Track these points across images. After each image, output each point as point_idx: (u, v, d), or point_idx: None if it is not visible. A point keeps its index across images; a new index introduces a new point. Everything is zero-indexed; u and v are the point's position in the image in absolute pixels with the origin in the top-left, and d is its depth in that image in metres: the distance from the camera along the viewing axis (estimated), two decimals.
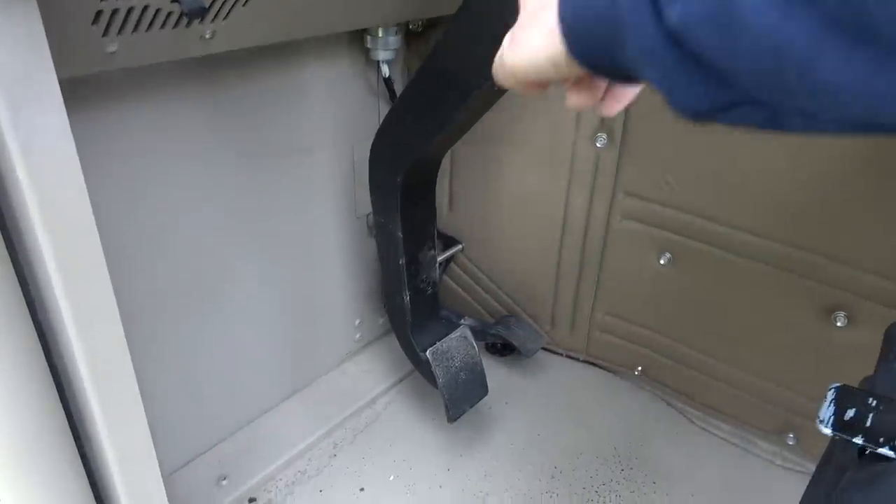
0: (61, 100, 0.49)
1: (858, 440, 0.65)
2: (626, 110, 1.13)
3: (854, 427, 0.65)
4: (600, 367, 1.41)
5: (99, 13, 0.59)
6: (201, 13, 0.64)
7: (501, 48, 0.34)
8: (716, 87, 0.23)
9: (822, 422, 0.67)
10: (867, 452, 0.65)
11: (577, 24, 0.28)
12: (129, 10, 0.61)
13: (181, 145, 0.90)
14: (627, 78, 0.29)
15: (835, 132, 0.23)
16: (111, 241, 0.86)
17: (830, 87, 0.19)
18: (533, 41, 0.31)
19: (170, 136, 0.88)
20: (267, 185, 1.05)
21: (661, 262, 1.21)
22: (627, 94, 0.37)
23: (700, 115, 0.25)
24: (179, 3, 0.62)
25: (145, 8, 0.61)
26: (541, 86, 0.35)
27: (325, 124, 1.11)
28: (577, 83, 0.35)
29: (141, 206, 0.89)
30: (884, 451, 0.62)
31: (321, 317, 1.28)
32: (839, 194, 0.98)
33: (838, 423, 0.65)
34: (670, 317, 1.25)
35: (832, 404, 0.68)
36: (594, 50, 0.28)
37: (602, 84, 0.36)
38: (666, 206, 1.16)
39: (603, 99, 0.36)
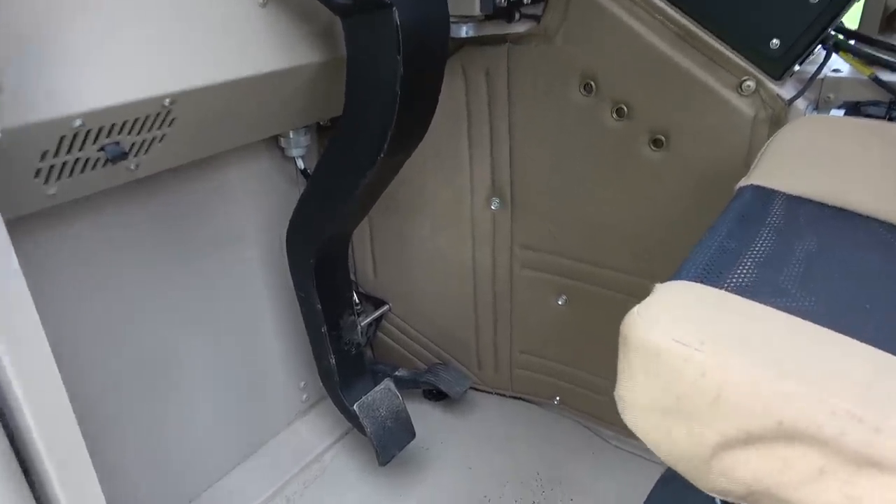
0: (7, 236, 0.62)
1: None
2: (512, 176, 1.32)
3: None
4: (525, 400, 1.57)
5: (39, 170, 0.75)
6: (123, 157, 0.80)
7: None
8: None
9: None
10: None
11: None
12: (64, 164, 0.77)
13: (123, 250, 1.05)
14: None
15: None
16: (71, 340, 1.00)
17: None
18: None
19: (112, 243, 1.04)
20: (205, 272, 1.20)
21: (559, 302, 1.39)
22: None
23: None
24: (104, 151, 0.79)
25: (77, 160, 0.78)
26: None
27: (254, 215, 1.27)
28: None
29: (95, 308, 1.03)
30: None
31: (268, 384, 1.42)
32: (683, 238, 1.18)
33: None
34: (575, 349, 1.42)
35: None
36: None
37: None
38: (554, 254, 1.35)
39: None
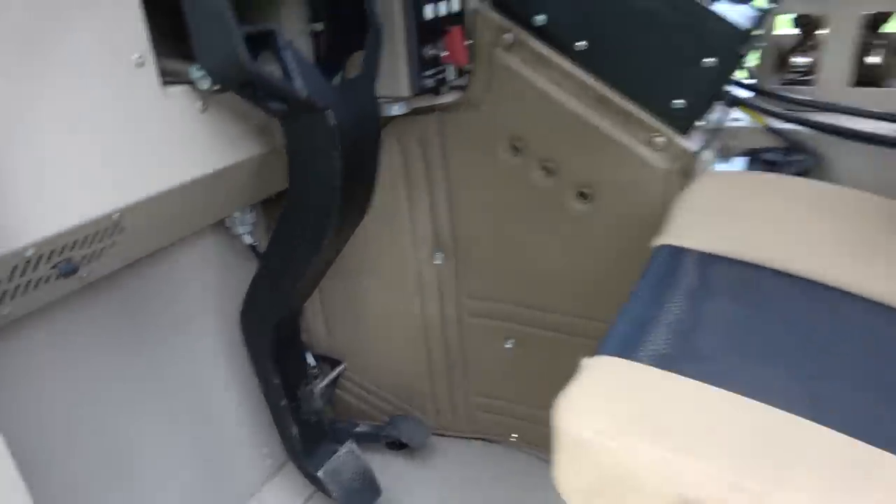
0: None
1: None
2: (452, 232, 1.39)
3: None
4: (484, 440, 1.63)
5: None
6: (75, 271, 0.83)
7: None
8: None
9: None
10: None
11: None
12: (17, 286, 0.79)
13: (76, 350, 1.06)
14: None
15: None
16: (29, 446, 1.00)
17: None
18: None
19: (64, 344, 1.05)
20: (161, 360, 1.22)
21: (508, 346, 1.46)
22: None
23: None
24: (57, 269, 0.81)
25: (30, 280, 0.80)
26: None
27: (206, 295, 1.29)
28: None
29: (51, 411, 1.03)
30: None
31: (233, 456, 1.43)
32: (615, 281, 1.27)
33: None
34: (526, 388, 1.49)
35: None
36: None
37: None
38: (499, 302, 1.42)
39: None
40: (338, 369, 1.54)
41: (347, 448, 1.27)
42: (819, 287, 0.83)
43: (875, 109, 1.21)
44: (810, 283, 0.84)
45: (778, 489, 0.45)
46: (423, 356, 1.55)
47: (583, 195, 1.24)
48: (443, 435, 1.65)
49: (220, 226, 1.30)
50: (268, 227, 1.44)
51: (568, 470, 0.53)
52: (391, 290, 1.49)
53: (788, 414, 0.53)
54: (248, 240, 1.31)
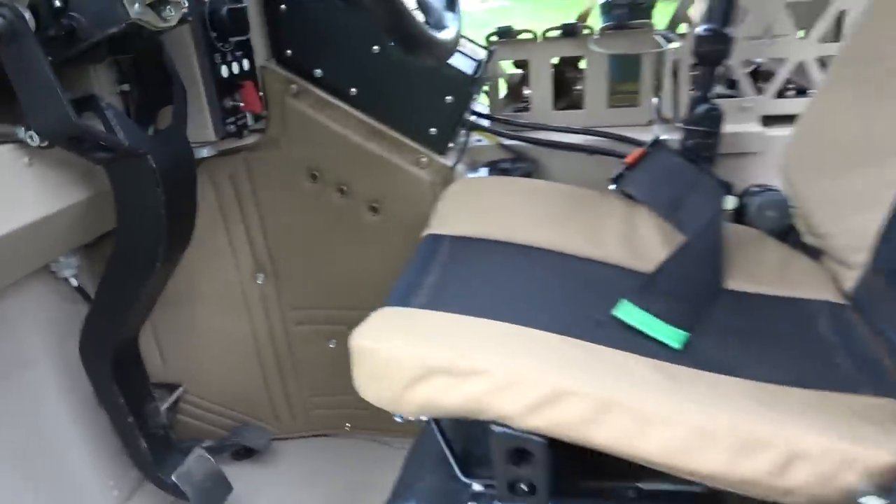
0: None
1: None
2: (270, 254, 1.61)
3: None
4: (323, 435, 1.85)
5: None
6: None
7: None
8: None
9: None
10: None
11: None
12: None
13: None
14: None
15: None
16: None
17: None
18: None
19: None
20: None
21: (331, 345, 1.71)
22: None
23: None
24: None
25: None
26: None
27: (36, 338, 1.37)
28: None
29: None
30: None
31: (76, 494, 1.48)
32: None
33: None
34: (350, 379, 1.74)
35: None
36: None
37: None
38: (318, 308, 1.67)
39: None
40: (177, 393, 1.67)
41: (196, 454, 1.42)
42: (533, 249, 1.20)
43: (573, 126, 1.67)
44: (527, 247, 1.21)
45: (475, 353, 0.77)
46: (256, 369, 1.73)
47: (373, 209, 1.55)
48: (284, 439, 1.84)
49: (45, 271, 1.39)
50: (91, 269, 1.55)
51: (359, 372, 0.80)
52: (220, 313, 1.67)
53: (487, 319, 0.86)
54: (74, 282, 1.42)
